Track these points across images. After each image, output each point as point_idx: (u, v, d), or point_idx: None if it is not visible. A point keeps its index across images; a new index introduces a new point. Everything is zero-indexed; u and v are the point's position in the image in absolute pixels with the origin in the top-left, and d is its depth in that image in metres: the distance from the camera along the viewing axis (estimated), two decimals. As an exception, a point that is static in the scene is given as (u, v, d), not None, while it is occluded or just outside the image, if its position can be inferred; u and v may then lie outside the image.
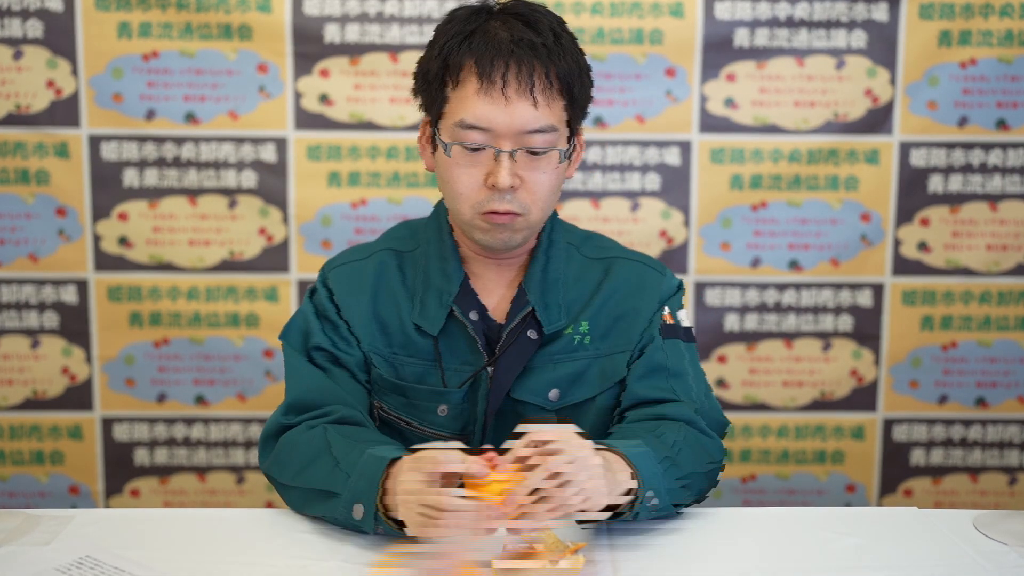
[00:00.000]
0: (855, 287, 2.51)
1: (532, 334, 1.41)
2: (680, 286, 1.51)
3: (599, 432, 1.40)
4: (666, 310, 1.47)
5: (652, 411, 1.39)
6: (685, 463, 1.31)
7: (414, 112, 2.43)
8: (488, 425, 1.41)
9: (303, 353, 1.44)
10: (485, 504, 1.09)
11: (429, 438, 1.40)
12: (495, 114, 1.31)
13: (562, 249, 1.47)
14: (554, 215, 1.49)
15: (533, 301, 1.41)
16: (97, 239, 2.45)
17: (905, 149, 2.45)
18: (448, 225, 1.46)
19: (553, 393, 1.41)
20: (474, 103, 1.31)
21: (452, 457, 1.11)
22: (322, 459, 1.28)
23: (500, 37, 1.33)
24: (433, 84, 1.37)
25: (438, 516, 1.09)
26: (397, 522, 1.18)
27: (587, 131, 2.42)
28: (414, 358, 1.42)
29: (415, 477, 1.12)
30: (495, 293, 1.45)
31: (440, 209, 1.49)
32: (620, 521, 1.23)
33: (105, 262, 2.46)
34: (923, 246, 2.49)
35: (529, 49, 1.32)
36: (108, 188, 2.43)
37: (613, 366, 1.43)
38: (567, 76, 1.34)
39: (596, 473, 1.13)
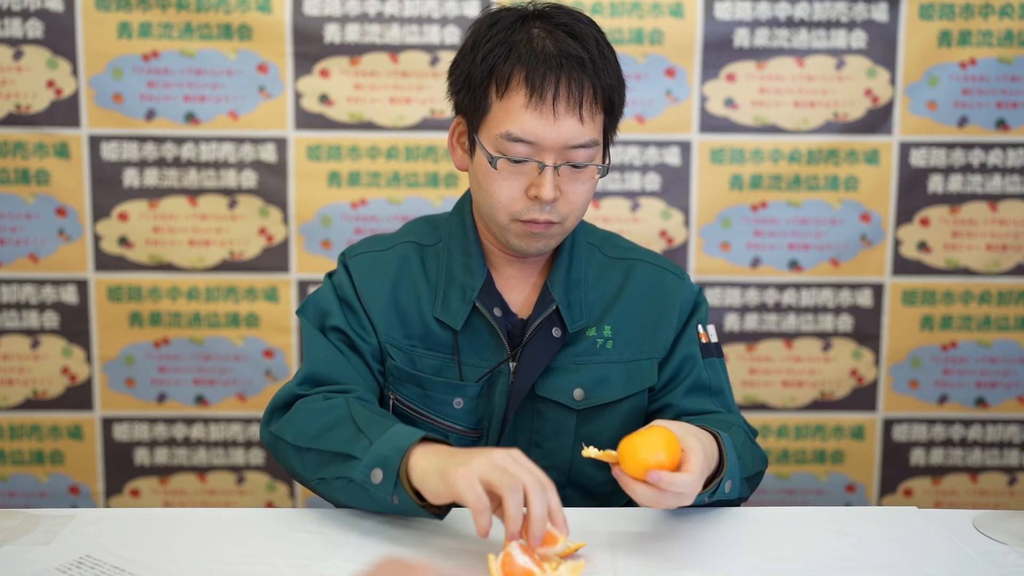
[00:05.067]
0: (855, 287, 2.51)
1: (556, 332, 1.42)
2: (700, 293, 1.54)
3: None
4: (700, 328, 1.50)
5: (714, 417, 1.43)
6: (749, 464, 1.38)
7: (414, 112, 2.43)
8: (507, 420, 1.42)
9: (319, 329, 1.44)
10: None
11: (444, 431, 1.42)
12: (543, 129, 1.31)
13: (584, 248, 1.49)
14: None
15: (558, 299, 1.42)
16: (97, 239, 2.45)
17: (905, 149, 2.45)
18: (472, 222, 1.47)
19: (577, 392, 1.42)
20: (522, 117, 1.31)
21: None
22: (344, 425, 1.29)
23: (548, 50, 1.32)
24: (476, 90, 1.36)
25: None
26: (417, 495, 1.19)
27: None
28: (432, 351, 1.43)
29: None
30: (517, 290, 1.47)
31: (464, 205, 1.49)
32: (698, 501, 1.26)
33: (105, 262, 2.46)
34: (923, 246, 2.49)
35: (578, 64, 1.32)
36: (108, 188, 2.43)
37: (640, 372, 1.45)
38: (609, 90, 1.35)
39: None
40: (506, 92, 1.32)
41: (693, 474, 1.16)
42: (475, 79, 1.35)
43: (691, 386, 1.46)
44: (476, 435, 1.43)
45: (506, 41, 1.33)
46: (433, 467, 1.16)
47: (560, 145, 1.32)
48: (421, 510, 1.20)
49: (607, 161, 1.41)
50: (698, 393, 1.47)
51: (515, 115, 1.32)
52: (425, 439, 1.22)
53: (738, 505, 1.40)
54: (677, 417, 1.44)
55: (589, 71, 1.32)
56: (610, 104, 1.36)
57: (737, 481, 1.31)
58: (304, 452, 1.31)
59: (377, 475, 1.20)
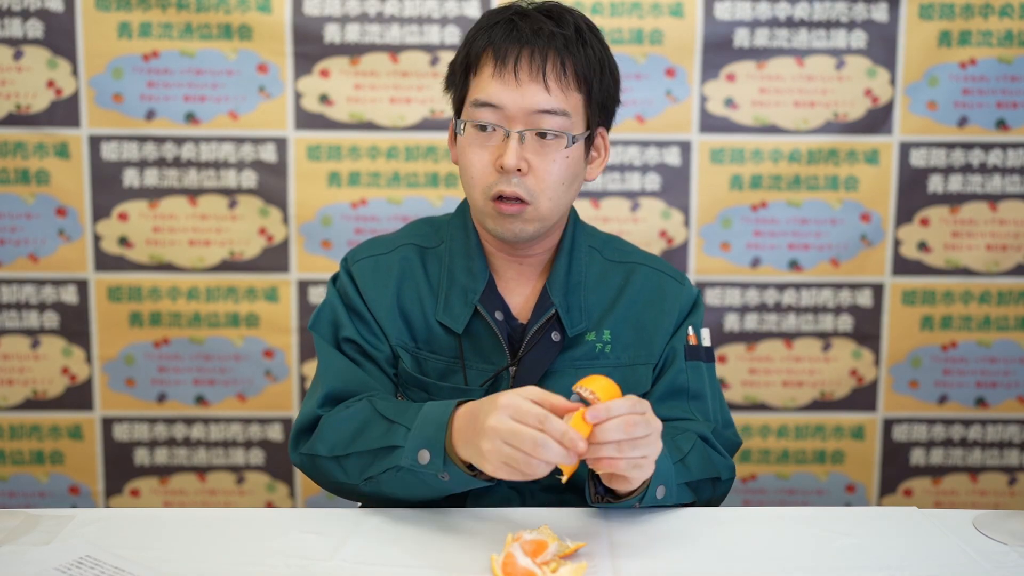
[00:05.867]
0: (855, 287, 2.51)
1: (555, 336, 1.42)
2: (698, 297, 1.53)
3: None
4: (690, 330, 1.49)
5: (670, 424, 1.42)
6: (695, 469, 1.35)
7: (414, 112, 2.43)
8: None
9: (333, 344, 1.45)
10: (575, 431, 1.11)
11: None
12: (505, 93, 1.34)
13: (584, 251, 1.49)
14: (576, 217, 1.50)
15: (556, 303, 1.42)
16: (97, 239, 2.45)
17: (905, 149, 2.45)
18: (473, 224, 1.47)
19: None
20: (487, 83, 1.35)
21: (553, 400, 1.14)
22: (375, 423, 1.30)
23: (520, 28, 1.36)
24: (458, 76, 1.41)
25: (535, 440, 1.10)
26: (468, 467, 1.20)
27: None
28: (437, 354, 1.43)
29: (505, 414, 1.13)
30: (518, 293, 1.47)
31: (465, 207, 1.50)
32: (625, 505, 1.26)
33: (105, 262, 2.46)
34: (923, 246, 2.49)
35: (547, 38, 1.35)
36: (108, 188, 2.43)
37: (636, 377, 1.45)
38: (584, 69, 1.37)
39: (656, 451, 1.18)
40: (477, 68, 1.38)
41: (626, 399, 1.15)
42: (458, 71, 1.41)
43: (668, 390, 1.45)
44: None
45: (485, 27, 1.39)
46: (467, 442, 1.18)
47: (525, 111, 1.34)
48: (474, 480, 1.21)
49: (603, 155, 1.42)
50: (673, 398, 1.45)
51: (482, 84, 1.36)
52: (459, 403, 1.23)
53: (709, 505, 1.40)
54: None
55: (558, 44, 1.35)
56: (587, 85, 1.37)
57: (673, 487, 1.30)
58: (343, 460, 1.32)
59: (424, 456, 1.21)
